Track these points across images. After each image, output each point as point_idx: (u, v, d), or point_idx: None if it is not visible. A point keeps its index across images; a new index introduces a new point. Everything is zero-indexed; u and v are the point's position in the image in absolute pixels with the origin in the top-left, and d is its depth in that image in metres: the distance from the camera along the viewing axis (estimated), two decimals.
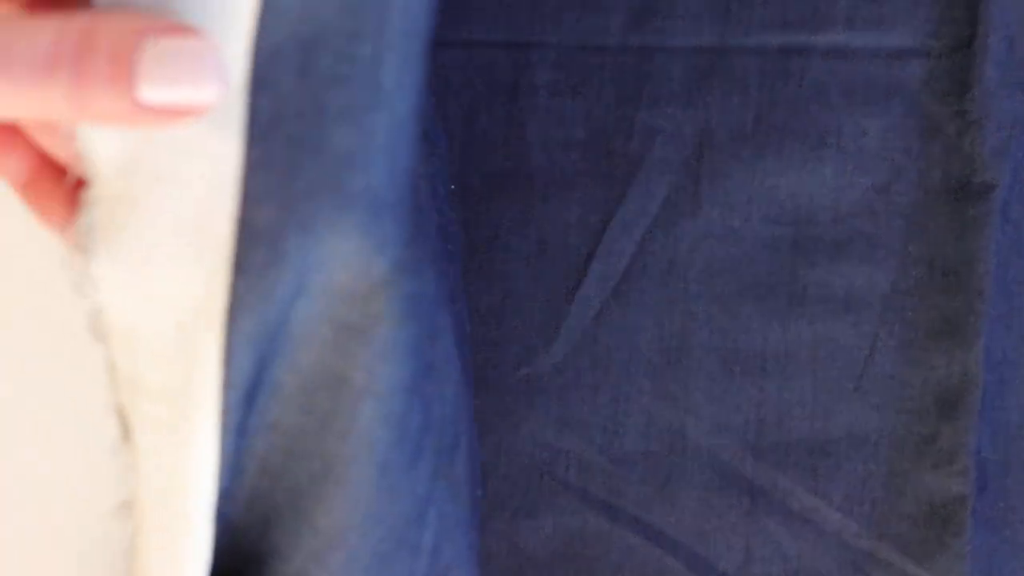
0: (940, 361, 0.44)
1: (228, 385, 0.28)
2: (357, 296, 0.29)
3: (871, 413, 0.45)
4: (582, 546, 0.45)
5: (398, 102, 0.28)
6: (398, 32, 0.27)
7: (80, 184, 0.28)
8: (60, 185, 0.29)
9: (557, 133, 0.46)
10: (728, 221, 0.45)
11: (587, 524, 0.45)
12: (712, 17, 0.45)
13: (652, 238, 0.46)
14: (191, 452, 0.28)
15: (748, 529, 0.45)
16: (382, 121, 0.27)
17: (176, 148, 0.27)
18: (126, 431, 0.29)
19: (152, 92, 0.24)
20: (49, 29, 0.24)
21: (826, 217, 0.45)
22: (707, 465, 0.45)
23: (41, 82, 0.23)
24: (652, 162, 0.46)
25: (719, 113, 0.46)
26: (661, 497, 0.45)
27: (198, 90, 0.24)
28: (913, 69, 0.45)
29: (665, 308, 0.46)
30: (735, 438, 0.45)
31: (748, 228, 0.45)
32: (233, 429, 0.29)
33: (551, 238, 0.46)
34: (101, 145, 0.27)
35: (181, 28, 0.24)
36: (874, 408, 0.45)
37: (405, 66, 0.28)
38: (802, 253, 0.45)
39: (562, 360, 0.46)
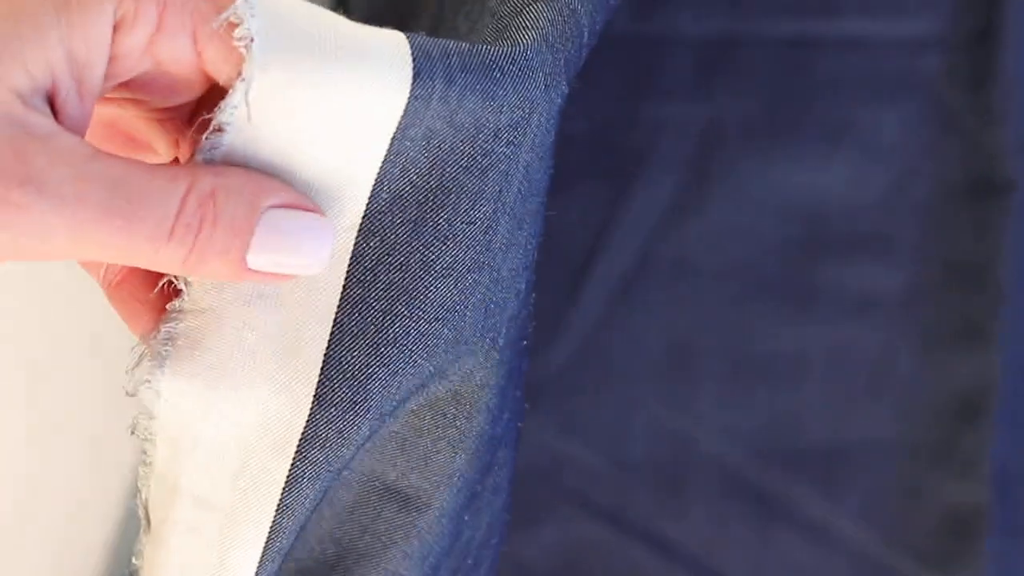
0: (958, 364, 0.43)
1: (284, 509, 0.28)
2: (423, 423, 0.30)
3: (887, 418, 0.43)
4: (585, 557, 0.44)
5: (503, 262, 0.29)
6: (516, 194, 0.28)
7: (171, 292, 0.28)
8: (150, 290, 0.29)
9: (560, 126, 0.44)
10: (737, 219, 0.44)
11: (590, 534, 0.44)
12: (721, 4, 0.44)
13: (658, 237, 0.44)
14: (232, 564, 0.28)
15: (759, 539, 0.43)
16: (483, 280, 0.29)
17: None
18: (147, 523, 0.29)
19: (260, 261, 0.25)
20: (177, 190, 0.24)
21: (840, 215, 0.44)
22: (716, 472, 0.44)
23: (161, 245, 0.24)
24: (658, 157, 0.44)
25: (728, 106, 0.44)
26: (668, 506, 0.44)
27: (302, 263, 0.26)
28: (931, 60, 0.44)
29: (672, 309, 0.44)
30: (745, 444, 0.44)
31: (758, 226, 0.44)
32: (277, 553, 0.29)
33: (552, 236, 0.44)
34: None
35: (299, 203, 0.26)
36: (890, 413, 0.43)
37: (517, 227, 0.29)
38: (815, 252, 0.44)
39: (565, 363, 0.44)
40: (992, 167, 0.43)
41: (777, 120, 0.44)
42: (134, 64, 0.25)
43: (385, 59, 0.25)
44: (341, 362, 0.28)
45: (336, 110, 0.25)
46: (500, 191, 0.28)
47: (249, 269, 0.25)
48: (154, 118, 0.28)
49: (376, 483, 0.30)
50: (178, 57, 0.25)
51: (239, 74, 0.24)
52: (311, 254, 0.26)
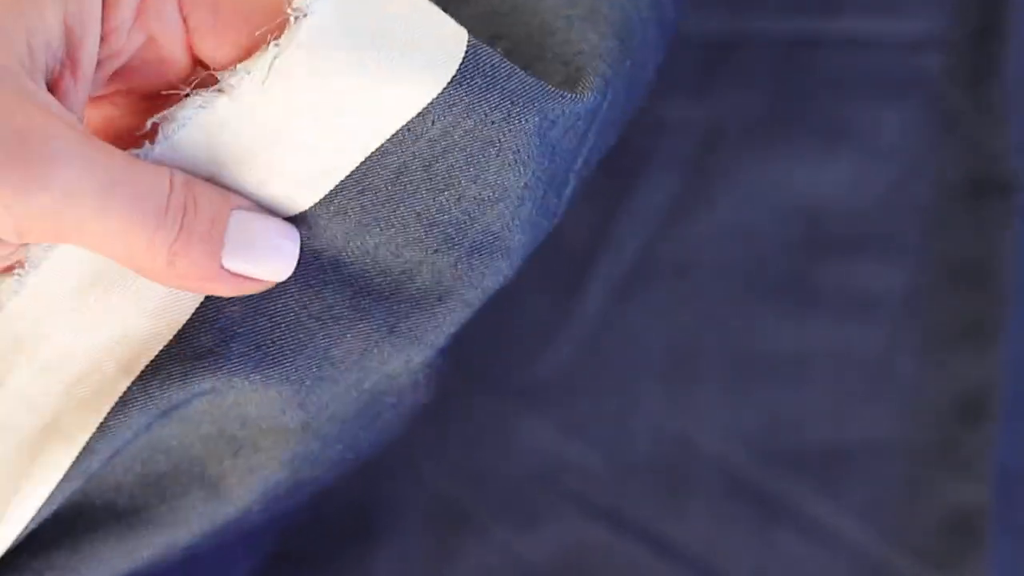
0: (959, 364, 0.43)
1: (106, 430, 0.28)
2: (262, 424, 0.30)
3: (888, 418, 0.43)
4: (585, 558, 0.44)
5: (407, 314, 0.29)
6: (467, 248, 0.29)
7: None
8: None
9: None
10: (738, 218, 0.44)
11: (590, 535, 0.44)
12: (721, 4, 0.44)
13: (659, 236, 0.44)
14: (38, 471, 0.28)
15: (760, 540, 0.43)
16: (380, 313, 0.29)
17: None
18: None
19: (235, 262, 0.26)
20: (162, 175, 0.25)
21: (840, 214, 0.44)
22: (717, 473, 0.43)
23: (155, 229, 0.24)
24: (658, 157, 0.44)
25: (729, 105, 0.44)
26: (668, 507, 0.43)
27: (273, 268, 0.27)
28: (931, 58, 0.44)
29: (673, 309, 0.44)
30: (746, 445, 0.43)
31: (760, 225, 0.44)
32: (83, 472, 0.29)
33: (553, 235, 0.44)
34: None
35: (263, 212, 0.27)
36: (891, 413, 0.43)
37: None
38: (816, 252, 0.44)
39: (565, 363, 0.44)
40: (993, 167, 0.43)
41: (778, 120, 0.44)
42: (125, 43, 0.25)
43: (424, 68, 0.25)
44: (217, 309, 0.28)
45: (341, 103, 0.25)
46: (436, 250, 0.28)
47: (223, 271, 0.26)
48: (142, 109, 0.28)
49: (195, 469, 0.31)
50: (166, 29, 0.25)
51: (270, 41, 0.24)
52: (282, 258, 0.27)
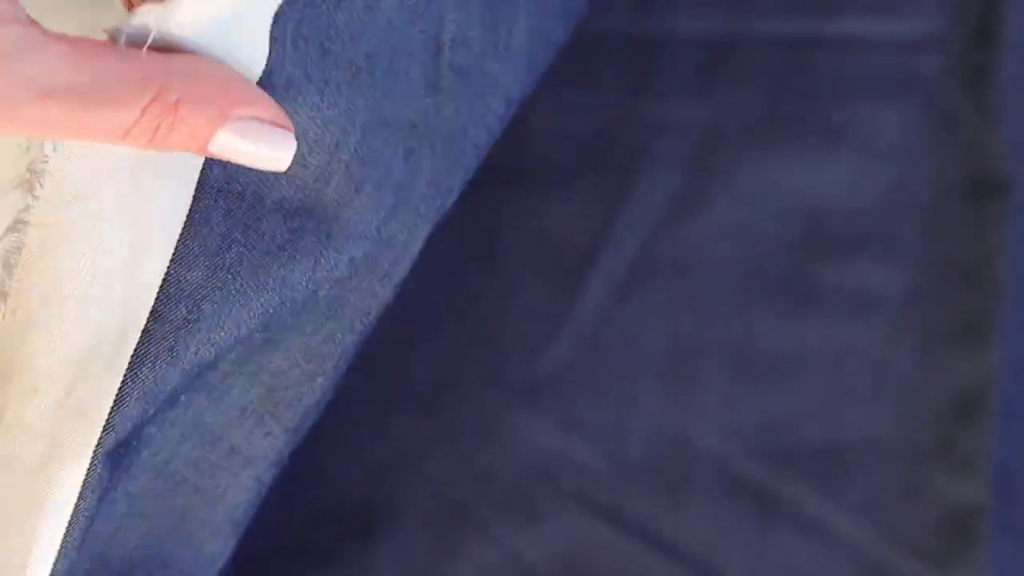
0: (958, 363, 0.43)
1: (110, 429, 0.28)
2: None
3: (887, 417, 0.43)
4: (585, 556, 0.44)
5: (333, 216, 0.30)
6: (353, 154, 0.29)
7: None
8: None
9: (559, 125, 0.44)
10: (737, 218, 0.44)
11: (590, 533, 0.44)
12: (721, 4, 0.44)
13: (658, 236, 0.44)
14: (54, 493, 0.28)
15: (759, 538, 0.43)
16: (311, 227, 0.30)
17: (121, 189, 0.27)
18: None
19: (220, 153, 0.26)
20: (143, 97, 0.24)
21: (839, 214, 0.44)
22: (716, 472, 0.44)
23: (117, 140, 0.24)
24: (658, 156, 0.44)
25: (728, 105, 0.44)
26: (667, 506, 0.44)
27: (260, 166, 0.27)
28: (930, 59, 0.44)
29: (672, 308, 0.44)
30: (745, 444, 0.44)
31: (759, 225, 0.44)
32: (98, 482, 0.29)
33: (553, 234, 0.44)
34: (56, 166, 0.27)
35: (271, 116, 0.26)
36: (890, 412, 0.43)
37: (354, 189, 0.30)
38: (815, 251, 0.44)
39: (564, 361, 0.44)
40: (991, 166, 0.43)
41: (777, 120, 0.44)
42: None
43: None
44: (180, 280, 0.28)
45: None
46: (337, 144, 0.29)
47: (210, 151, 0.26)
48: None
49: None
50: None
51: None
52: (270, 163, 0.27)
